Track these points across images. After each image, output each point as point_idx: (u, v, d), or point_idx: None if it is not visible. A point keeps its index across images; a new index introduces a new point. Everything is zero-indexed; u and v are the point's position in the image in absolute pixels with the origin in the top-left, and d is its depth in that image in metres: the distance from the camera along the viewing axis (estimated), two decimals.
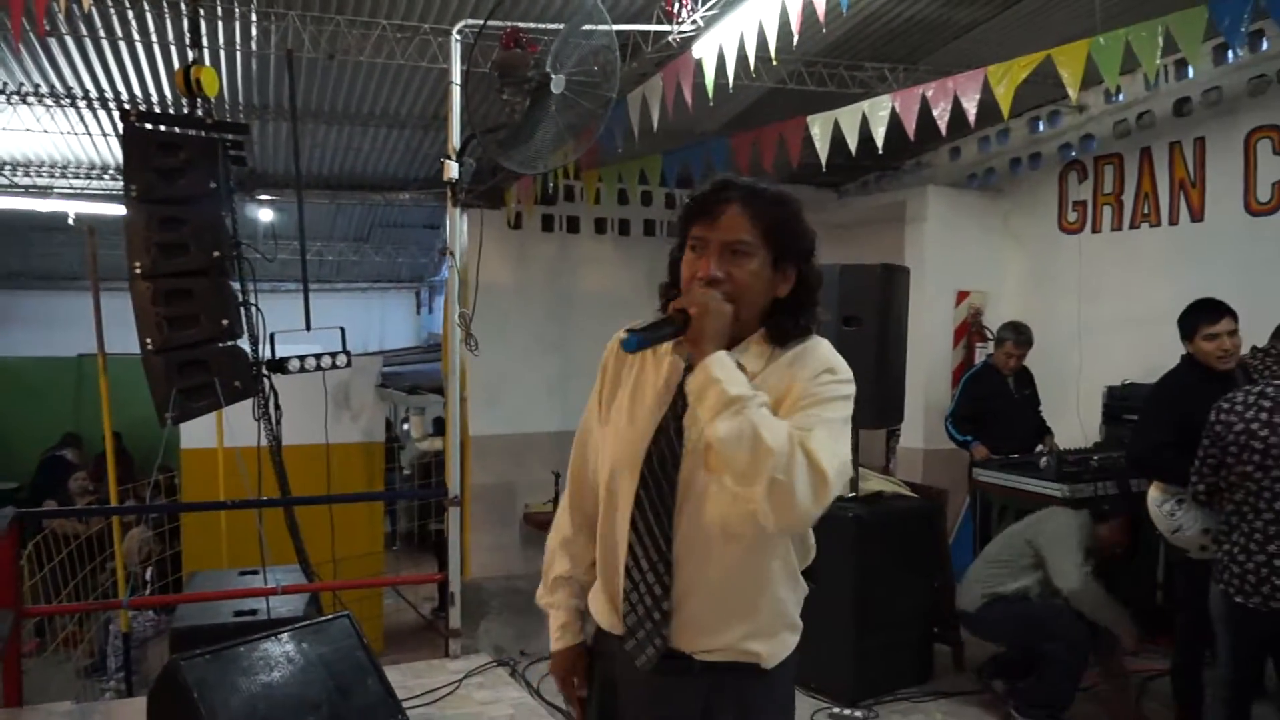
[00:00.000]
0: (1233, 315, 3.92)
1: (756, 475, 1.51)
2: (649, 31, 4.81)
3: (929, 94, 4.72)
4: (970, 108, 4.55)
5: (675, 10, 4.33)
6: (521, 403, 7.46)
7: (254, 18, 4.90)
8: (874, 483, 4.83)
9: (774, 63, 4.59)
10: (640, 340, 1.66)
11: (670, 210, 7.94)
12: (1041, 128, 6.90)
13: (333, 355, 4.71)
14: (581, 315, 7.76)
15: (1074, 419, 6.29)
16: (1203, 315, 3.90)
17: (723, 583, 1.73)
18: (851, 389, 1.70)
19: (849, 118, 5.07)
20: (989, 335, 6.90)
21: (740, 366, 1.63)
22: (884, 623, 4.55)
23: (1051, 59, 4.29)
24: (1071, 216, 6.71)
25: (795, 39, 4.09)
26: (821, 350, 1.74)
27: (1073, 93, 4.26)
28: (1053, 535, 4.38)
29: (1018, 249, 7.13)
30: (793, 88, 5.77)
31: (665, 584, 1.73)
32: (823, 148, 5.22)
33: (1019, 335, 6.01)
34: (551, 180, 6.49)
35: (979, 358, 6.84)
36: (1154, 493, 3.95)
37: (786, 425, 1.56)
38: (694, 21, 4.50)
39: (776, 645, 1.78)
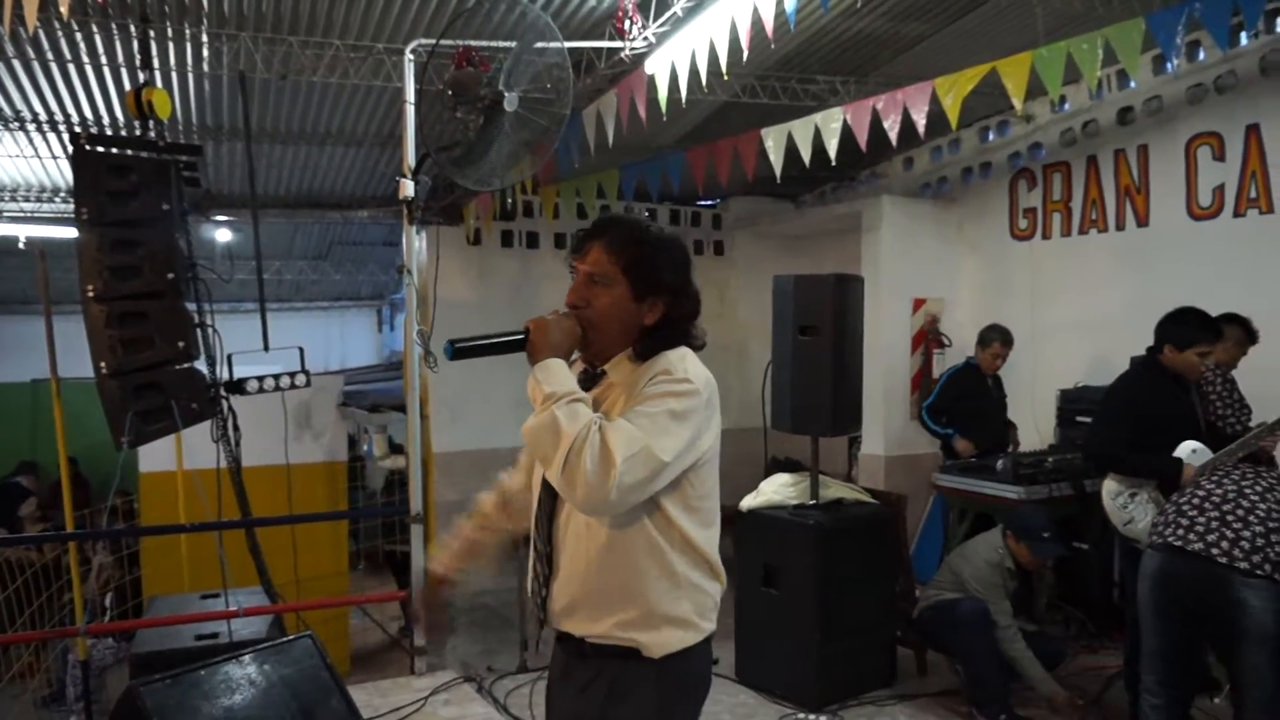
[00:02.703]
0: None
1: (554, 459, 1.73)
2: (602, 48, 4.85)
3: (879, 106, 4.80)
4: (919, 119, 4.64)
5: (626, 28, 4.38)
6: (485, 419, 7.44)
7: (205, 39, 4.88)
8: (834, 489, 4.89)
9: (725, 77, 4.65)
10: (454, 350, 1.95)
11: None
12: (991, 137, 7.04)
13: (291, 375, 4.68)
14: None
15: (1029, 422, 6.41)
16: (1204, 334, 4.01)
17: (591, 575, 1.93)
18: (686, 387, 1.85)
19: (802, 130, 5.14)
20: (945, 342, 7.01)
21: (601, 373, 1.98)
22: (847, 628, 4.60)
23: (997, 70, 4.38)
24: (1023, 224, 6.85)
25: (745, 54, 4.14)
26: (670, 357, 1.92)
27: (1017, 103, 4.36)
28: (978, 579, 4.49)
29: (972, 256, 7.25)
30: (746, 101, 5.85)
31: (545, 574, 2.00)
32: (777, 160, 5.28)
33: (1005, 337, 6.13)
34: (510, 196, 6.51)
35: (936, 364, 6.94)
36: (1109, 484, 4.06)
37: (590, 417, 1.77)
38: (645, 38, 4.54)
39: (660, 637, 1.92)
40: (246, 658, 3.11)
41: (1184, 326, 4.03)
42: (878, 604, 4.80)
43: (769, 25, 3.99)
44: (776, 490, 4.80)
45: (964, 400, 6.14)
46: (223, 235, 8.61)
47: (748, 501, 4.84)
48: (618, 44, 4.63)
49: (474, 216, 7.13)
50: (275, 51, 4.95)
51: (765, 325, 7.54)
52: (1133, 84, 5.93)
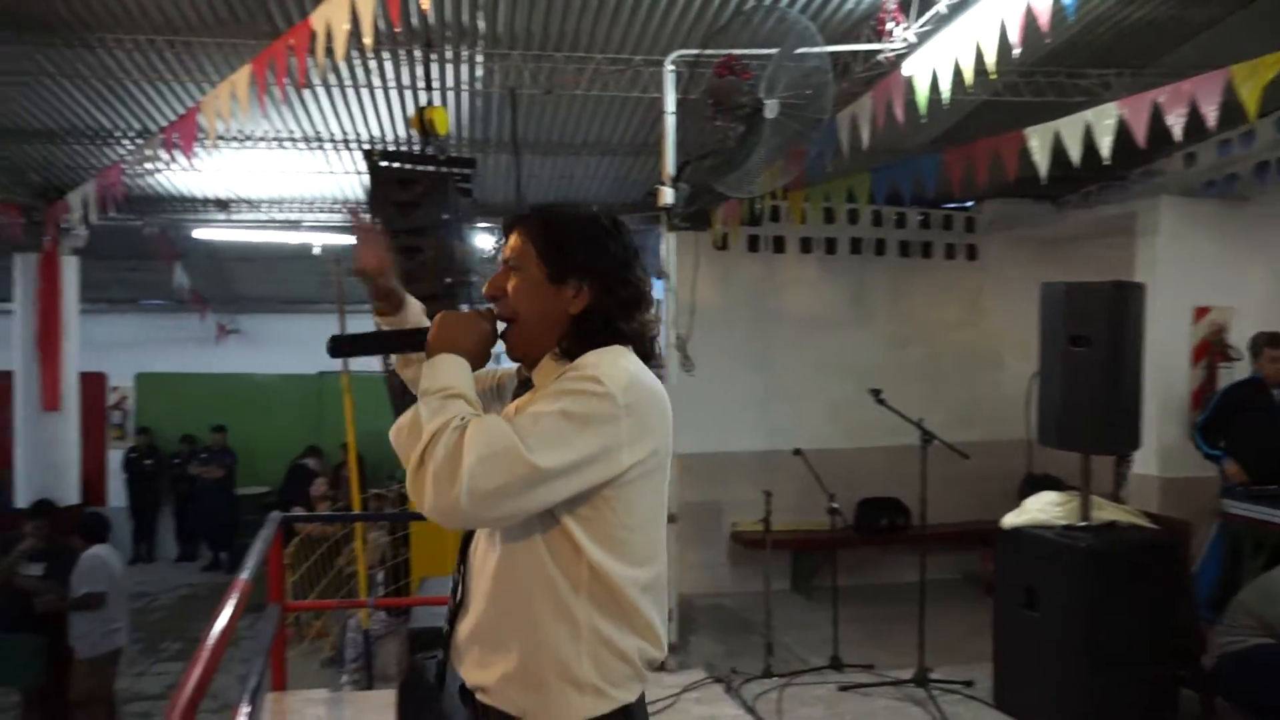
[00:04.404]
0: None
1: (408, 457, 1.49)
2: (858, 51, 4.79)
3: (1162, 100, 4.43)
4: (1210, 112, 4.24)
5: (888, 28, 4.29)
6: (724, 421, 7.51)
7: (480, 59, 5.23)
8: (1107, 511, 4.55)
9: (992, 75, 4.45)
10: (334, 348, 1.75)
11: (878, 228, 7.80)
12: None
13: None
14: (785, 334, 7.75)
15: None
16: None
17: (481, 610, 1.64)
18: (591, 387, 1.52)
19: (1071, 128, 4.83)
20: (1233, 355, 6.37)
21: (529, 382, 1.68)
22: (1117, 660, 4.27)
23: None
24: None
25: (1017, 50, 3.95)
26: (591, 356, 1.61)
27: None
28: None
29: (1263, 261, 6.55)
30: (1008, 99, 5.57)
31: (453, 608, 1.72)
32: (1043, 161, 5.00)
33: (1273, 339, 5.51)
34: (757, 201, 6.53)
35: (1222, 378, 6.33)
36: None
37: (458, 412, 1.50)
38: (905, 39, 4.44)
39: (544, 700, 1.56)
40: None
41: None
42: (1153, 638, 4.42)
43: (1043, 18, 3.78)
44: (1042, 509, 4.53)
45: (1239, 416, 5.53)
46: (485, 243, 9.18)
47: (1010, 519, 4.60)
48: (878, 46, 4.55)
49: (721, 222, 7.21)
50: (541, 68, 5.23)
51: (1021, 334, 7.19)
52: None
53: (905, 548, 7.53)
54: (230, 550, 11.27)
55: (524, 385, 1.74)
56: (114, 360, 11.74)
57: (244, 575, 3.16)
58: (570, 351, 1.64)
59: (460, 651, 1.67)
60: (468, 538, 1.74)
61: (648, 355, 1.71)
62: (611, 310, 1.66)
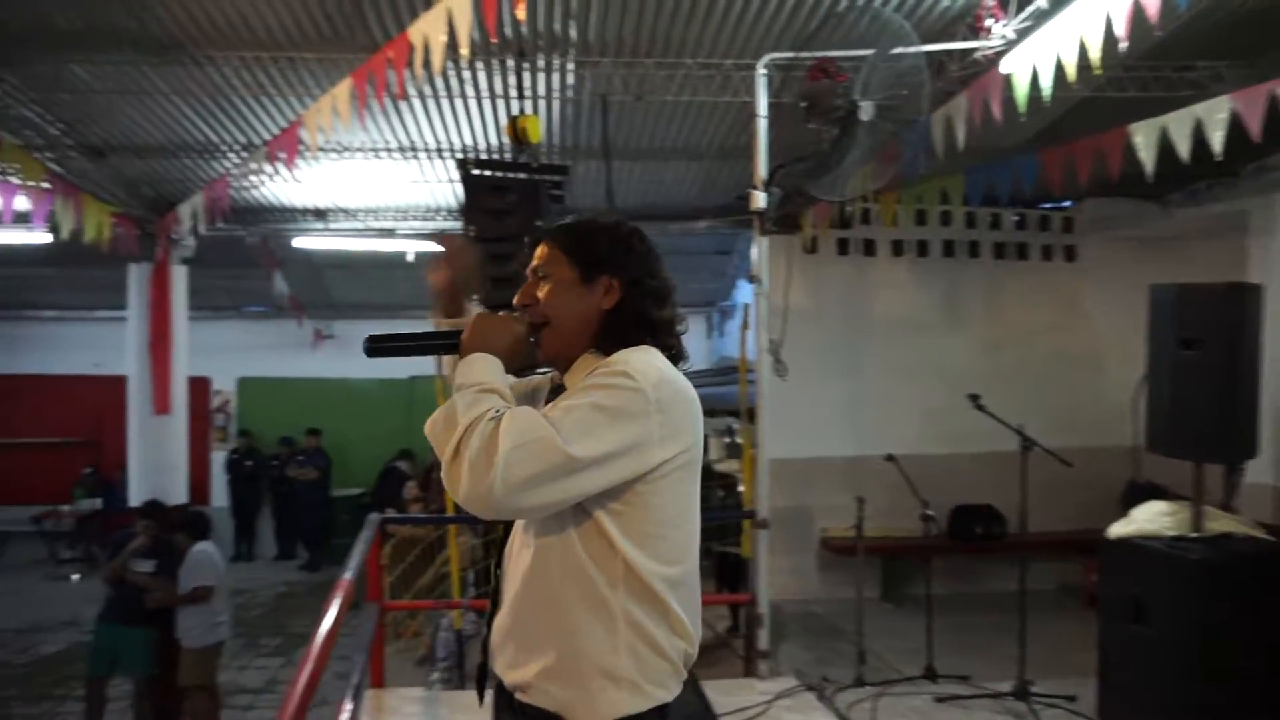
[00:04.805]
0: None
1: (444, 448, 1.50)
2: (954, 50, 4.70)
3: None
4: None
5: (987, 25, 4.20)
6: (814, 427, 7.43)
7: (571, 66, 5.29)
8: (1221, 522, 4.37)
9: (1096, 71, 4.31)
10: (370, 348, 1.77)
11: (971, 230, 7.63)
12: None
13: None
14: (875, 339, 7.64)
15: None
16: None
17: (517, 605, 1.65)
18: (623, 381, 1.54)
19: (1180, 124, 4.67)
20: None
21: (562, 389, 1.68)
22: (1233, 675, 4.09)
23: None
24: None
25: (1123, 44, 3.82)
26: (623, 353, 1.63)
27: None
28: None
29: None
30: (1111, 95, 5.39)
31: (492, 607, 1.73)
32: (1148, 158, 4.84)
33: None
34: (849, 204, 6.46)
35: None
36: None
37: (493, 405, 1.53)
38: (1004, 36, 4.34)
39: (584, 696, 1.56)
40: None
41: None
42: (1272, 653, 4.22)
43: (1152, 9, 3.66)
44: (1151, 519, 4.37)
45: None
46: None
47: (1117, 529, 4.45)
48: (976, 44, 4.45)
49: (811, 225, 7.15)
50: (632, 74, 5.26)
51: (1123, 337, 6.94)
52: None
53: (1000, 556, 7.36)
54: (325, 550, 11.60)
55: (555, 392, 1.76)
56: (217, 365, 12.18)
57: (347, 575, 3.26)
58: (604, 348, 1.68)
59: (496, 651, 1.68)
60: (504, 539, 1.77)
61: (678, 355, 1.74)
62: (643, 301, 1.70)
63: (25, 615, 9.78)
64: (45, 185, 6.19)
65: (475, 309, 1.94)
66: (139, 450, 7.99)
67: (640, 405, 1.53)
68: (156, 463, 7.95)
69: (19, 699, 7.66)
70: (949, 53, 4.70)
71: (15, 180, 6.25)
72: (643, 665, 1.56)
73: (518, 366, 1.73)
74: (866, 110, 3.83)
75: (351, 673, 3.34)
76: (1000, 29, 4.16)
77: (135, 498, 7.87)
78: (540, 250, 1.77)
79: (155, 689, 6.55)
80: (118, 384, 8.69)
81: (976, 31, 4.40)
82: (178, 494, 8.00)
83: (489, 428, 1.48)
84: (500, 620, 1.68)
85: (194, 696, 6.33)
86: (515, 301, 1.75)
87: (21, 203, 6.31)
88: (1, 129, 5.58)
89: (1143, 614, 4.25)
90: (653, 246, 1.79)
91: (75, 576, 11.57)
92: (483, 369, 1.61)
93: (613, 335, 1.68)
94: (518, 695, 1.62)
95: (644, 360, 1.60)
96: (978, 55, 4.46)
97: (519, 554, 1.67)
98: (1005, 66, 4.40)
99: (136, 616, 6.36)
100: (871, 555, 6.66)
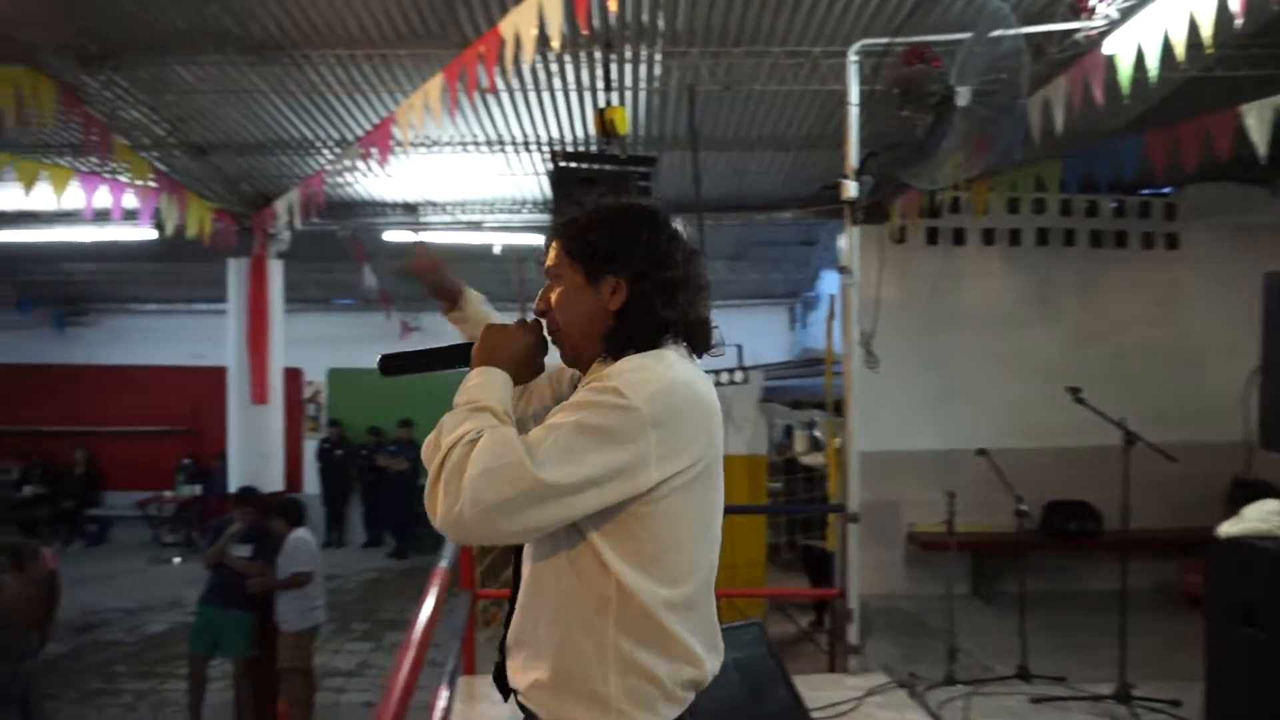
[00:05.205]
0: None
1: (428, 469, 1.47)
2: (1053, 31, 4.56)
3: None
4: None
5: (1090, 5, 4.06)
6: (900, 420, 7.32)
7: (659, 57, 5.28)
8: None
9: (1209, 49, 4.13)
10: (385, 365, 1.79)
11: (1067, 218, 7.41)
12: None
13: (730, 371, 4.94)
14: (964, 330, 7.49)
15: None
16: None
17: (520, 614, 1.64)
18: (613, 400, 1.45)
19: None
20: None
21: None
22: None
23: None
24: None
25: (1238, 20, 3.65)
26: (622, 363, 1.54)
27: None
28: None
29: None
30: (1220, 75, 5.16)
31: (508, 607, 1.69)
32: (1261, 140, 4.63)
33: None
34: (939, 192, 6.33)
35: None
36: None
37: (477, 425, 1.47)
38: (1107, 15, 4.19)
39: (573, 715, 1.52)
40: None
41: None
42: None
43: None
44: (1263, 518, 4.18)
45: None
46: None
47: (1227, 528, 4.27)
48: (1075, 25, 4.31)
49: (899, 214, 7.03)
50: (719, 64, 5.23)
51: (1228, 328, 6.68)
52: None
53: (1094, 554, 7.15)
54: (412, 539, 11.84)
55: (575, 387, 1.71)
56: (308, 356, 12.51)
57: (443, 563, 3.32)
58: (614, 350, 1.59)
59: (508, 653, 1.66)
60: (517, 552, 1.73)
61: (702, 345, 1.65)
62: (651, 298, 1.59)
63: (133, 595, 10.24)
64: (152, 183, 6.44)
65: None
66: (238, 439, 8.26)
67: (631, 425, 1.44)
68: (254, 451, 8.20)
69: (127, 675, 8.01)
70: (1047, 34, 4.56)
71: (124, 179, 6.53)
72: (632, 692, 1.50)
73: (532, 377, 1.70)
74: (963, 96, 3.74)
75: (446, 659, 3.40)
76: (1104, 8, 4.01)
77: (234, 485, 8.14)
78: (551, 250, 1.70)
79: (254, 670, 6.78)
80: (215, 375, 8.99)
81: (1077, 12, 4.25)
82: (274, 481, 8.24)
83: (464, 451, 1.43)
84: (512, 626, 1.65)
85: (291, 678, 6.54)
86: (535, 308, 1.69)
87: (129, 200, 6.57)
88: (113, 130, 5.81)
89: (1254, 617, 4.08)
90: (671, 229, 1.66)
91: (177, 559, 12.04)
92: (479, 385, 1.57)
93: (620, 339, 1.59)
94: (519, 698, 1.61)
95: (641, 371, 1.50)
96: (1078, 36, 4.32)
97: (527, 565, 1.64)
98: (1108, 47, 4.26)
99: (236, 600, 6.58)
100: (960, 551, 6.54)
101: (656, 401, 1.45)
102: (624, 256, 1.60)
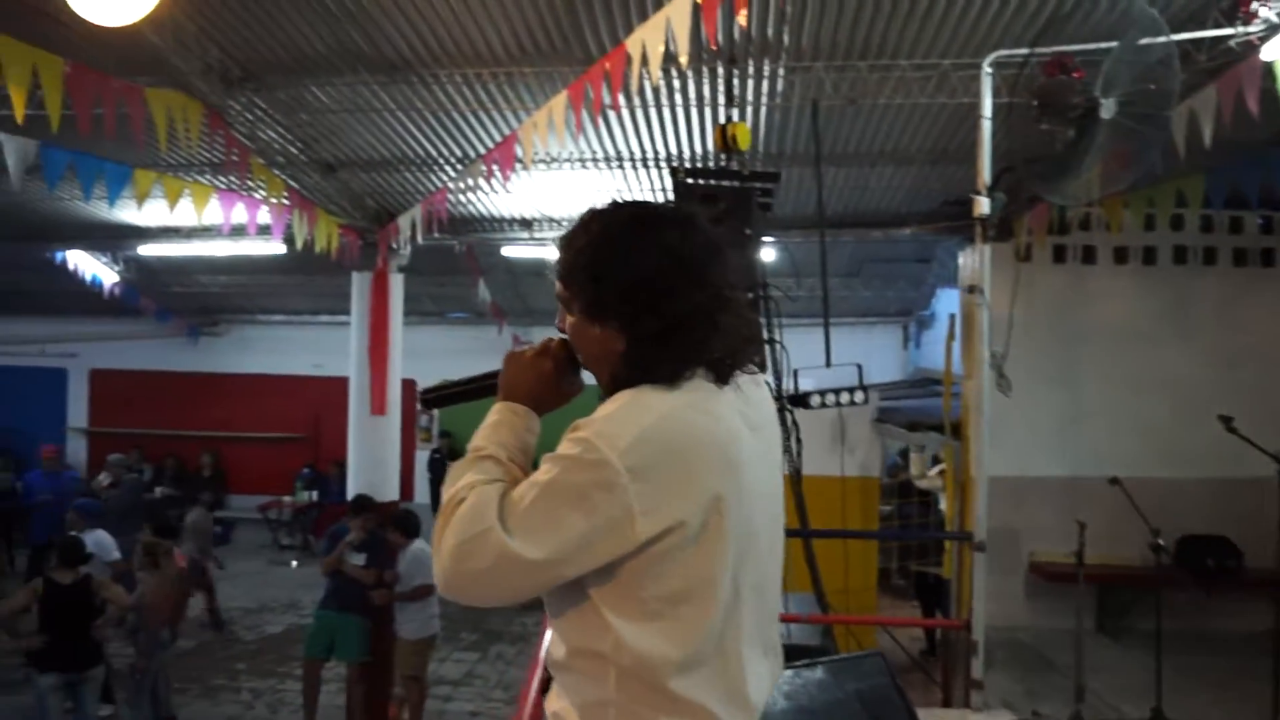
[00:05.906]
0: None
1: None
2: (1203, 39, 4.33)
3: None
4: None
5: (1251, 9, 3.83)
6: (1023, 444, 7.04)
7: (782, 72, 5.23)
8: None
9: None
10: (424, 401, 1.72)
11: (1207, 235, 7.05)
12: None
13: (850, 391, 4.82)
14: (1093, 352, 7.19)
15: None
16: None
17: (548, 648, 1.51)
18: (584, 452, 1.31)
19: None
20: None
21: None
22: None
23: None
24: None
25: None
26: (604, 407, 1.38)
27: None
28: None
29: None
30: None
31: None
32: None
33: None
34: (1070, 209, 6.09)
35: None
36: None
37: (473, 480, 1.39)
38: (1267, 20, 3.95)
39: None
40: (820, 667, 3.23)
41: None
42: None
43: None
44: None
45: None
46: (765, 255, 9.18)
47: None
48: (1228, 31, 4.09)
49: (1025, 231, 6.79)
50: (844, 78, 5.14)
51: None
52: None
53: (1233, 592, 6.75)
54: None
55: None
56: (422, 368, 12.76)
57: None
58: (617, 389, 1.43)
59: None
60: None
61: (726, 373, 1.43)
62: (653, 344, 1.40)
63: (253, 596, 10.63)
64: (285, 200, 6.69)
65: None
66: (357, 448, 8.49)
67: (605, 478, 1.30)
68: (372, 460, 8.41)
69: (247, 673, 8.31)
70: (1196, 41, 4.33)
71: (259, 196, 6.81)
72: None
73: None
74: (1108, 108, 3.57)
75: None
76: (1267, 12, 3.79)
77: (351, 493, 8.36)
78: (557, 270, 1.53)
79: (366, 675, 6.94)
80: (334, 385, 9.28)
81: (1232, 17, 4.03)
82: (390, 491, 8.44)
83: (450, 514, 1.37)
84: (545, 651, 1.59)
85: (407, 684, 6.67)
86: (557, 325, 1.57)
87: (263, 216, 6.85)
88: (251, 150, 6.06)
89: None
90: (674, 239, 1.43)
91: (294, 563, 12.46)
92: (490, 427, 1.50)
93: (634, 378, 1.42)
94: None
95: (618, 417, 1.36)
96: (1233, 43, 4.09)
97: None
98: (1267, 53, 4.02)
99: (353, 605, 6.75)
100: (1086, 583, 6.26)
101: (634, 452, 1.31)
102: (614, 304, 1.43)
